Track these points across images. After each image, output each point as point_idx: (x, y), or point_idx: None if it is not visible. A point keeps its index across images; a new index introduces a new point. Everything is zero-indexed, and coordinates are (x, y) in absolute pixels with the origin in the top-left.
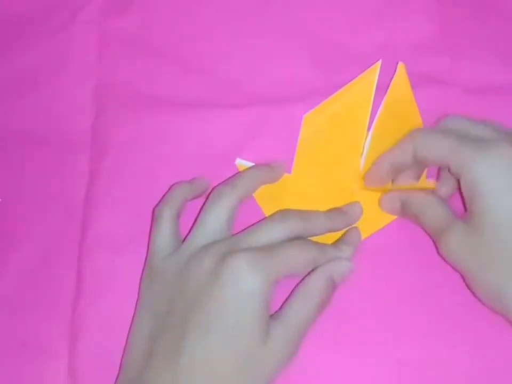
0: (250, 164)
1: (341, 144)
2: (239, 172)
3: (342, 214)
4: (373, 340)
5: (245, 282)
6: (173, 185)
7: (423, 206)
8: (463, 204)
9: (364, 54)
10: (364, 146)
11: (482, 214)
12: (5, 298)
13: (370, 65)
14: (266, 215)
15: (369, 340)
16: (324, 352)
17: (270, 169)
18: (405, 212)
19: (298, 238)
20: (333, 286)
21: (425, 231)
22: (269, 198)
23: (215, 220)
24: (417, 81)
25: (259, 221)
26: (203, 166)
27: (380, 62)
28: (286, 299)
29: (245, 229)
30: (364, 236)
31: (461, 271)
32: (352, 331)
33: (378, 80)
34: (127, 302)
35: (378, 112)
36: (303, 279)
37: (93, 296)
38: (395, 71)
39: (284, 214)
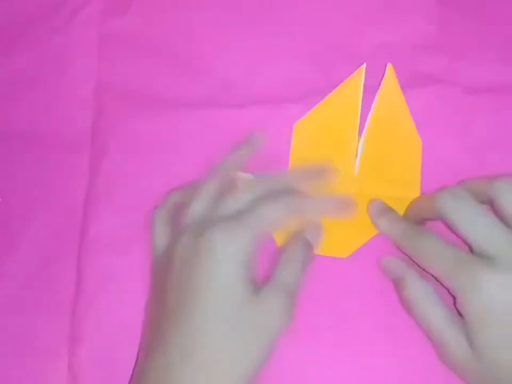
0: (246, 176)
1: (334, 149)
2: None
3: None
4: (372, 339)
5: (219, 249)
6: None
7: (420, 296)
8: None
9: (363, 54)
10: (357, 150)
11: (479, 340)
12: (5, 299)
13: (371, 65)
14: None
15: (368, 339)
16: (323, 351)
17: (249, 146)
18: (396, 288)
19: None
20: (310, 247)
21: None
22: None
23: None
24: (416, 81)
25: None
26: (203, 166)
27: (364, 65)
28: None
29: None
30: (364, 240)
31: (461, 379)
32: (352, 331)
33: (377, 81)
34: (127, 302)
35: (370, 115)
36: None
37: (93, 297)
38: (396, 71)
39: (247, 182)
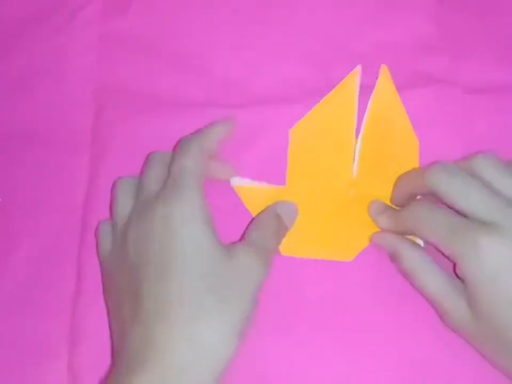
0: (248, 182)
1: (331, 153)
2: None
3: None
4: (372, 339)
5: (174, 211)
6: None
7: (417, 266)
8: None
9: (364, 54)
10: (355, 152)
11: (481, 303)
12: (5, 298)
13: (371, 66)
14: None
15: (368, 338)
16: (327, 352)
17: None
18: (395, 262)
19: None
20: (281, 220)
21: (419, 292)
22: None
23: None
24: (417, 81)
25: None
26: None
27: (359, 67)
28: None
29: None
30: (367, 242)
31: (466, 341)
32: (352, 330)
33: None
34: None
35: (366, 116)
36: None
37: (93, 296)
38: (395, 71)
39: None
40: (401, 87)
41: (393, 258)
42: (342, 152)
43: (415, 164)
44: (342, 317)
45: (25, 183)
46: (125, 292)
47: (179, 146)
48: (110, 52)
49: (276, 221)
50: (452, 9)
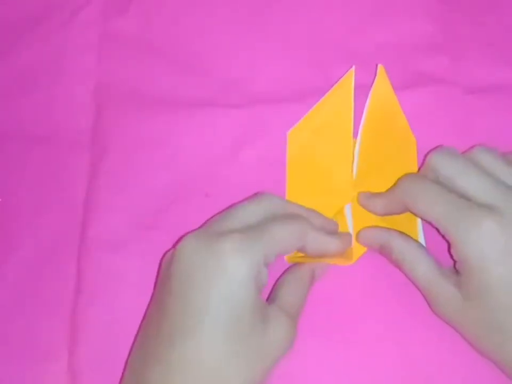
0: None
1: (330, 155)
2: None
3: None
4: (374, 338)
5: (230, 268)
6: None
7: (406, 254)
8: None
9: (364, 54)
10: (354, 154)
11: (474, 285)
12: (5, 298)
13: (371, 65)
14: None
15: (370, 338)
16: (325, 351)
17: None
18: (385, 254)
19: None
20: (314, 277)
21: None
22: None
23: None
24: (417, 80)
25: None
26: (203, 166)
27: (353, 68)
28: (274, 286)
29: None
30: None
31: (454, 328)
32: (354, 330)
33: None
34: (127, 302)
35: (364, 117)
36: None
37: (93, 296)
38: (395, 71)
39: (259, 195)
40: (401, 87)
41: (382, 250)
42: (341, 153)
43: (414, 163)
44: (344, 320)
45: (25, 183)
46: (156, 310)
47: (292, 207)
48: (110, 51)
49: (311, 276)
50: (452, 9)
